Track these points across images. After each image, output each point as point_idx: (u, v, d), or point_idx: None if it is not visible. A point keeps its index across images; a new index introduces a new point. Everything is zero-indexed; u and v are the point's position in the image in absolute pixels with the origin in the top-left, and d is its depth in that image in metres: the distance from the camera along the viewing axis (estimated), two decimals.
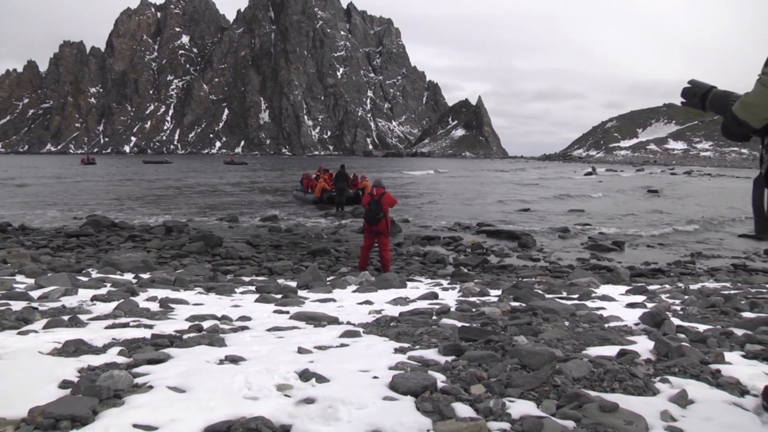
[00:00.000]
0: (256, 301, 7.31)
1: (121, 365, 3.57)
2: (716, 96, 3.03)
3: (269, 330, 5.10)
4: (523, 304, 6.27)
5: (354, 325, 5.42)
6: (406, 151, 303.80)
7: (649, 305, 6.50)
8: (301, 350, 4.12)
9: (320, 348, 4.27)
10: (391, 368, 3.58)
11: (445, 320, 5.32)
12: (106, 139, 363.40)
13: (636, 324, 5.11)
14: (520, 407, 2.88)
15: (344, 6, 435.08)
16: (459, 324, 4.95)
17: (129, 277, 9.50)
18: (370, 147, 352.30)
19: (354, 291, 8.71)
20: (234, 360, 3.79)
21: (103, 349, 4.03)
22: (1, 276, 8.45)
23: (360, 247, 13.24)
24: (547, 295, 7.46)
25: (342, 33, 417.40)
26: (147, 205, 28.86)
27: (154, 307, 6.27)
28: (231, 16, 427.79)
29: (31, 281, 7.78)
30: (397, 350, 4.17)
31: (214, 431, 2.60)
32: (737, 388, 3.25)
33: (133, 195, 35.21)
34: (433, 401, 2.94)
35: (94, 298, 6.51)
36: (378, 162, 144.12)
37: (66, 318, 5.09)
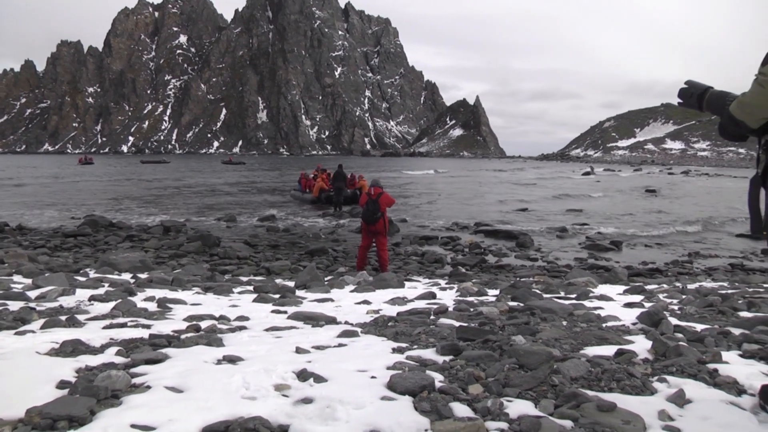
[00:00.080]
0: (254, 301, 7.31)
1: (119, 365, 3.57)
2: (713, 96, 3.03)
3: (267, 330, 5.10)
4: (521, 304, 6.27)
5: (352, 324, 5.42)
6: (404, 150, 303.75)
7: (647, 305, 6.51)
8: (299, 350, 4.12)
9: (318, 348, 4.27)
10: (389, 368, 3.58)
11: (443, 320, 5.32)
12: (104, 139, 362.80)
13: (634, 323, 5.12)
14: (518, 407, 2.88)
15: (342, 6, 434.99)
16: (457, 324, 4.96)
17: (127, 277, 9.50)
18: (368, 147, 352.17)
19: (352, 291, 8.71)
20: (232, 360, 3.79)
21: (101, 349, 4.03)
22: None
23: (358, 246, 13.23)
24: (545, 295, 7.46)
25: (340, 33, 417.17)
26: (145, 205, 28.83)
27: (152, 307, 6.27)
28: (229, 16, 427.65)
29: (29, 281, 7.76)
30: (395, 350, 4.17)
31: (212, 431, 2.60)
32: (734, 388, 3.26)
33: (131, 195, 35.17)
34: (431, 401, 2.94)
35: (92, 298, 6.50)
36: (376, 162, 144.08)
37: (63, 318, 5.09)
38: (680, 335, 4.55)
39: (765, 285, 9.66)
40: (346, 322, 5.57)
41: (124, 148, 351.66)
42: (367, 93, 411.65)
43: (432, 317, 5.64)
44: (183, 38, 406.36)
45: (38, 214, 23.86)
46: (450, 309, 6.14)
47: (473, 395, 3.07)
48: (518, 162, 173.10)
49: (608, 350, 3.99)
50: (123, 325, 4.98)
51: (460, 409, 2.83)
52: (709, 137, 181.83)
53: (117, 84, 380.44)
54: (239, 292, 8.31)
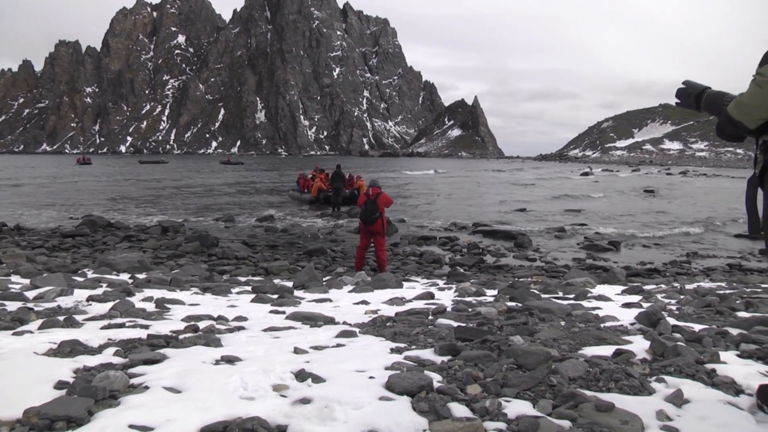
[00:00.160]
0: (252, 301, 7.31)
1: (117, 366, 3.57)
2: (710, 97, 3.03)
3: (265, 330, 5.10)
4: (519, 304, 6.27)
5: (350, 325, 5.42)
6: (403, 151, 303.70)
7: (645, 305, 6.51)
8: (297, 350, 4.12)
9: (316, 348, 4.27)
10: (387, 368, 3.58)
11: (441, 320, 5.32)
12: (102, 139, 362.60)
13: (632, 324, 5.12)
14: (516, 407, 2.88)
15: (340, 6, 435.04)
16: (455, 324, 4.96)
17: (125, 277, 9.49)
18: (367, 147, 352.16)
19: (350, 291, 8.71)
20: (230, 360, 3.79)
21: (99, 350, 4.02)
22: None
23: (356, 247, 13.23)
24: (543, 295, 7.47)
25: (338, 33, 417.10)
26: (143, 205, 28.81)
27: (150, 307, 6.26)
28: (227, 16, 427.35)
29: (27, 281, 7.75)
30: (393, 350, 4.17)
31: (210, 431, 2.59)
32: (732, 388, 3.26)
33: (129, 195, 35.15)
34: (429, 401, 2.94)
35: (90, 299, 6.49)
36: (375, 162, 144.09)
37: (61, 318, 5.08)
38: (678, 335, 4.56)
39: (763, 285, 9.68)
40: (345, 323, 5.57)
41: (123, 149, 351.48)
42: (366, 93, 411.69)
43: (430, 317, 5.65)
44: (181, 38, 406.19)
45: (36, 214, 23.85)
46: (448, 309, 6.14)
47: (471, 395, 3.07)
48: (517, 162, 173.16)
49: (606, 350, 3.99)
50: (121, 326, 4.98)
51: (459, 410, 2.83)
52: (707, 138, 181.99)
53: (115, 84, 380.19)
54: (237, 293, 8.31)
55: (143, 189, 40.96)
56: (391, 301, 7.20)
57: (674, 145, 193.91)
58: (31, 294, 6.67)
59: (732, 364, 3.68)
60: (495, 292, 8.21)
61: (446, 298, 7.60)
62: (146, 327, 4.98)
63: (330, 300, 7.55)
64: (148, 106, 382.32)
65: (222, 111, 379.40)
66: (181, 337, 4.56)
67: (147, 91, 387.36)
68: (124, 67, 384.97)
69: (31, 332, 4.58)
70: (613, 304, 6.86)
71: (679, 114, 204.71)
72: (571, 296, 7.58)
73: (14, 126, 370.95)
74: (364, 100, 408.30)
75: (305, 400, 2.98)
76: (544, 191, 43.07)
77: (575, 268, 12.77)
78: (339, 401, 2.91)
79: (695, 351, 3.94)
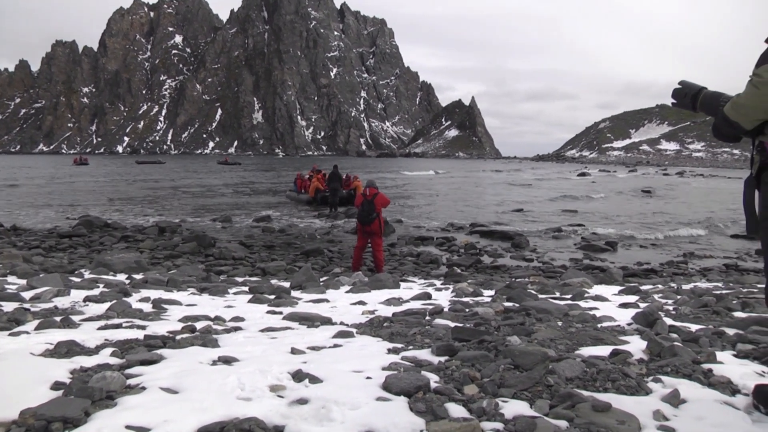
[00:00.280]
0: (250, 301, 7.30)
1: (114, 366, 3.56)
2: (707, 97, 3.04)
3: (262, 331, 5.09)
4: (516, 305, 6.28)
5: (347, 325, 5.41)
6: (400, 151, 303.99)
7: (642, 305, 6.52)
8: (294, 351, 4.11)
9: (313, 348, 4.26)
10: (384, 369, 3.58)
11: (439, 320, 5.33)
12: (99, 139, 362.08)
13: (629, 324, 5.13)
14: (513, 407, 2.88)
15: (337, 6, 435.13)
16: (452, 324, 4.96)
17: (122, 277, 9.48)
18: (364, 147, 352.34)
19: (347, 291, 8.70)
20: (227, 361, 3.79)
21: (96, 350, 4.02)
22: None
23: (353, 247, 13.23)
24: (540, 296, 7.47)
25: (335, 33, 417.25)
26: (140, 205, 28.77)
27: (147, 307, 6.25)
28: (224, 16, 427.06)
29: (23, 282, 7.73)
30: (390, 351, 4.17)
31: None
32: (729, 388, 3.27)
33: (126, 195, 35.10)
34: (426, 401, 2.94)
35: (87, 299, 6.48)
36: (372, 162, 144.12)
37: (58, 319, 5.07)
38: (675, 335, 4.56)
39: (759, 285, 9.69)
40: (342, 323, 5.56)
41: (120, 149, 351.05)
42: (363, 94, 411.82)
43: (427, 318, 5.65)
44: (178, 38, 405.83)
45: (33, 214, 23.79)
46: (445, 309, 6.14)
47: (468, 396, 3.07)
48: (514, 163, 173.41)
49: (603, 350, 4.00)
50: (118, 326, 4.97)
51: (456, 410, 2.84)
52: (704, 138, 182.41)
53: (112, 84, 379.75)
54: (234, 293, 8.30)
55: (140, 189, 40.89)
56: (389, 302, 7.20)
57: (671, 146, 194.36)
58: (27, 294, 6.65)
59: (728, 364, 3.69)
60: (492, 292, 8.21)
61: (443, 298, 7.60)
62: (143, 327, 4.98)
63: (327, 300, 7.55)
64: (145, 107, 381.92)
65: (219, 111, 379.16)
66: (178, 337, 4.55)
67: (144, 91, 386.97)
68: (121, 67, 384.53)
69: (27, 333, 4.57)
70: (610, 304, 6.87)
71: (676, 115, 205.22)
72: (568, 296, 7.58)
73: (11, 126, 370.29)
74: (362, 100, 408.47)
75: (302, 401, 2.97)
76: (542, 191, 43.11)
77: (572, 269, 12.78)
78: (336, 402, 2.91)
79: (692, 351, 3.95)
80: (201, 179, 55.90)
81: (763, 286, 2.70)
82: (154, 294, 7.31)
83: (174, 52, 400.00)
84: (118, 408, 2.81)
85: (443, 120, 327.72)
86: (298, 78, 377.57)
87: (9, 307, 5.74)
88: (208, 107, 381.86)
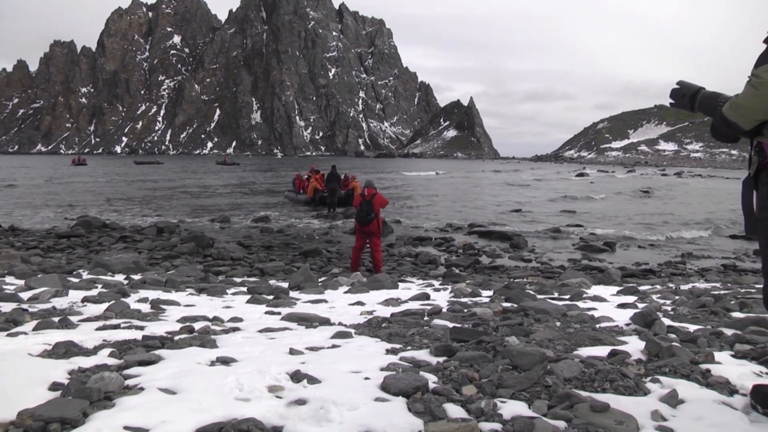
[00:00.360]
0: (248, 302, 7.29)
1: (112, 367, 3.56)
2: (705, 97, 3.04)
3: (261, 331, 5.09)
4: (515, 305, 6.28)
5: (346, 326, 5.41)
6: (398, 151, 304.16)
7: (640, 305, 6.52)
8: (292, 351, 4.11)
9: (312, 349, 4.26)
10: (382, 369, 3.57)
11: (437, 321, 5.32)
12: (97, 140, 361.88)
13: (627, 324, 5.13)
14: (512, 408, 2.88)
15: (336, 6, 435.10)
16: (450, 325, 4.96)
17: (120, 278, 9.46)
18: (362, 148, 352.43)
19: (346, 292, 8.70)
20: (225, 361, 3.78)
21: (94, 351, 4.01)
22: None
23: (352, 247, 13.23)
24: (539, 296, 7.47)
25: (334, 33, 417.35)
26: (138, 205, 28.75)
27: (145, 308, 6.24)
28: (223, 16, 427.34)
29: (21, 282, 7.73)
30: (388, 351, 4.16)
31: None
32: (727, 388, 3.27)
33: (125, 196, 35.06)
34: (424, 402, 2.94)
35: (85, 300, 6.47)
36: (371, 163, 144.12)
37: (56, 319, 5.06)
38: (673, 336, 4.56)
39: (757, 285, 9.69)
40: (340, 323, 5.56)
41: (118, 149, 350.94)
42: (361, 94, 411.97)
43: (426, 318, 5.64)
44: (177, 38, 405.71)
45: (31, 215, 23.76)
46: (444, 310, 6.14)
47: (467, 396, 3.07)
48: (513, 163, 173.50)
49: (601, 351, 4.00)
50: (116, 327, 4.96)
51: (454, 410, 2.84)
52: (702, 139, 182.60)
53: (110, 84, 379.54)
54: (233, 293, 8.30)
55: (139, 190, 40.86)
56: (387, 302, 7.19)
57: (669, 146, 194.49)
58: (25, 295, 6.65)
59: (726, 365, 3.69)
60: (490, 292, 8.22)
61: (442, 298, 7.60)
62: (141, 328, 4.97)
63: (325, 301, 7.54)
64: (143, 107, 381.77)
65: (218, 111, 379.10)
66: (176, 338, 4.54)
67: (142, 92, 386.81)
68: (120, 67, 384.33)
69: (25, 333, 4.56)
70: (609, 304, 6.87)
71: (675, 115, 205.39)
72: (567, 297, 7.59)
73: (9, 126, 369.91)
74: (360, 100, 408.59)
75: (301, 401, 2.97)
76: (540, 192, 43.14)
77: (570, 269, 12.79)
78: (334, 402, 2.91)
79: (690, 351, 3.95)
80: (199, 179, 55.88)
81: (761, 286, 2.70)
82: (153, 294, 7.30)
83: (172, 52, 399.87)
84: (117, 409, 2.80)
85: (441, 120, 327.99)
86: (296, 78, 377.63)
87: (7, 307, 5.73)
88: (206, 107, 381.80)
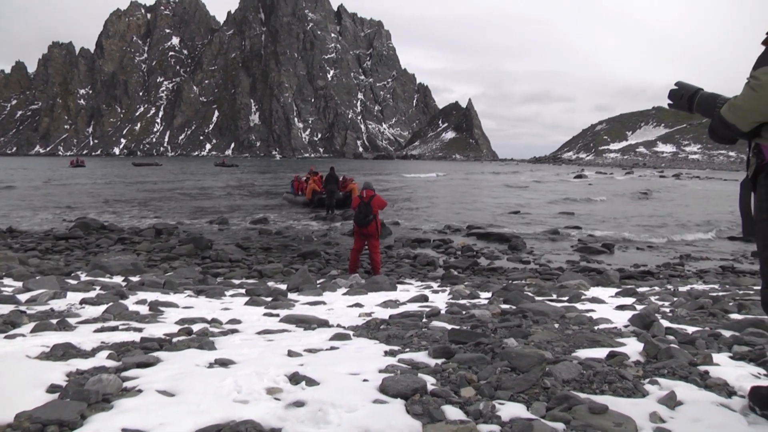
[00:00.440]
0: (246, 304, 7.28)
1: (110, 369, 3.55)
2: (703, 98, 3.04)
3: (259, 333, 5.08)
4: (513, 307, 6.28)
5: (344, 327, 5.41)
6: (397, 153, 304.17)
7: (639, 307, 6.53)
8: (290, 353, 4.11)
9: (310, 351, 4.26)
10: (381, 371, 3.57)
11: (435, 323, 5.32)
12: (96, 141, 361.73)
13: (625, 326, 5.13)
14: (510, 409, 2.88)
15: (334, 8, 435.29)
16: (449, 326, 4.96)
17: (118, 280, 9.45)
18: (360, 149, 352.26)
19: (344, 294, 8.69)
20: (224, 363, 3.78)
21: (92, 353, 4.00)
22: None
23: (350, 249, 13.23)
24: (537, 298, 7.48)
25: (332, 35, 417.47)
26: (137, 207, 28.71)
27: (144, 310, 6.24)
28: (221, 18, 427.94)
29: (19, 284, 7.71)
30: (387, 353, 4.16)
31: None
32: (725, 389, 3.27)
33: (123, 197, 35.02)
34: (423, 404, 2.93)
35: (83, 302, 6.46)
36: (369, 164, 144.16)
37: (54, 321, 5.05)
38: (671, 337, 4.57)
39: (755, 287, 9.71)
40: (339, 325, 5.56)
41: (116, 151, 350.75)
42: (360, 96, 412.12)
43: (424, 320, 5.64)
44: (175, 40, 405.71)
45: (29, 216, 23.73)
46: (442, 312, 6.14)
47: (465, 398, 3.07)
48: (511, 165, 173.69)
49: (600, 353, 4.00)
50: (114, 329, 4.95)
51: (452, 412, 2.84)
52: (700, 140, 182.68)
53: (109, 86, 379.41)
54: (231, 295, 8.28)
55: (137, 191, 40.81)
56: (385, 304, 7.19)
57: (667, 148, 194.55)
58: (23, 297, 6.63)
59: (725, 366, 3.70)
60: (489, 294, 8.21)
61: (440, 300, 7.60)
62: (140, 330, 4.96)
63: (324, 303, 7.54)
64: (141, 108, 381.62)
65: (216, 113, 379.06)
66: (174, 340, 4.54)
67: (141, 93, 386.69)
68: (118, 68, 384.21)
69: (23, 335, 4.55)
70: (607, 306, 6.87)
71: (673, 117, 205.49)
72: (565, 299, 7.59)
73: (7, 128, 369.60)
74: (358, 102, 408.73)
75: (299, 403, 2.97)
76: (539, 193, 43.17)
77: (569, 271, 12.80)
78: (333, 404, 2.90)
79: (688, 353, 3.95)
80: (198, 181, 55.86)
81: (760, 288, 2.70)
82: (151, 296, 7.29)
83: (171, 53, 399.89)
84: (115, 411, 2.80)
85: (440, 122, 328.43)
86: (294, 80, 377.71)
87: (5, 309, 5.72)
88: (204, 109, 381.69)
